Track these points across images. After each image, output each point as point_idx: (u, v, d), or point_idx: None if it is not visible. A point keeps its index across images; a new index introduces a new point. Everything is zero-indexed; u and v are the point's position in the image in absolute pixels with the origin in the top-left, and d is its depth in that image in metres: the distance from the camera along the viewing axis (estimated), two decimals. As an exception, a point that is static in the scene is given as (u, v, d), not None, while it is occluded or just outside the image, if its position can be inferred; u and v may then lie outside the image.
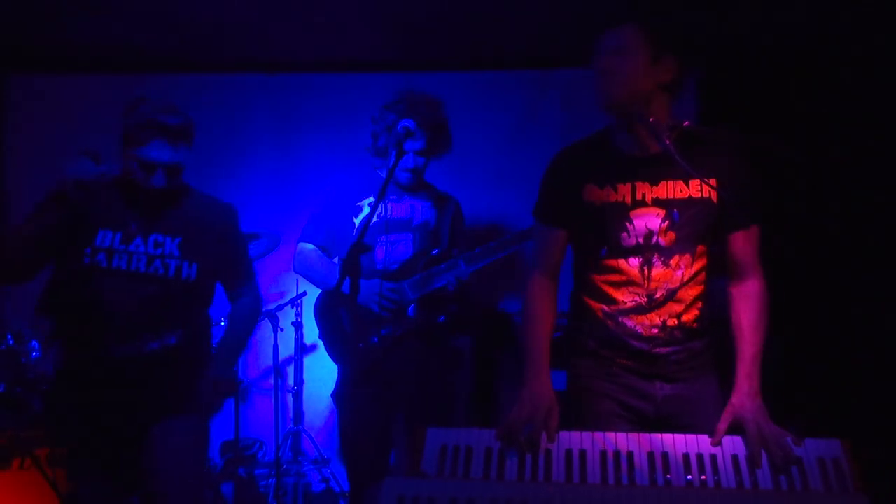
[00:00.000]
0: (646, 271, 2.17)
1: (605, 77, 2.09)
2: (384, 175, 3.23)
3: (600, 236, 2.19)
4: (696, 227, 2.15)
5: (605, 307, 2.23)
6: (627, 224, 2.15)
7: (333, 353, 3.15)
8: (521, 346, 2.19)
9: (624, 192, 2.16)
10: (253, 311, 2.82)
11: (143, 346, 2.44)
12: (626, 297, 2.19)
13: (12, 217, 4.33)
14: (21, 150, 4.51)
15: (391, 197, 3.16)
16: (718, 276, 2.26)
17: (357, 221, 3.16)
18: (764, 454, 1.92)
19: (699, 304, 2.21)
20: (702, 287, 2.22)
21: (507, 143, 4.53)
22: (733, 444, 1.97)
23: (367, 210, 3.17)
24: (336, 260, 3.19)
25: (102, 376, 2.44)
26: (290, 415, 4.24)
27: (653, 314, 2.18)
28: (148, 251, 2.46)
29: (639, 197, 2.15)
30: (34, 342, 3.44)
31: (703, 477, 1.90)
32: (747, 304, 2.16)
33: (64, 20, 3.94)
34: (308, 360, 4.32)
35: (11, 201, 4.45)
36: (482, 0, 3.81)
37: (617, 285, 2.20)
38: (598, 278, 2.23)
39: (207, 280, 2.62)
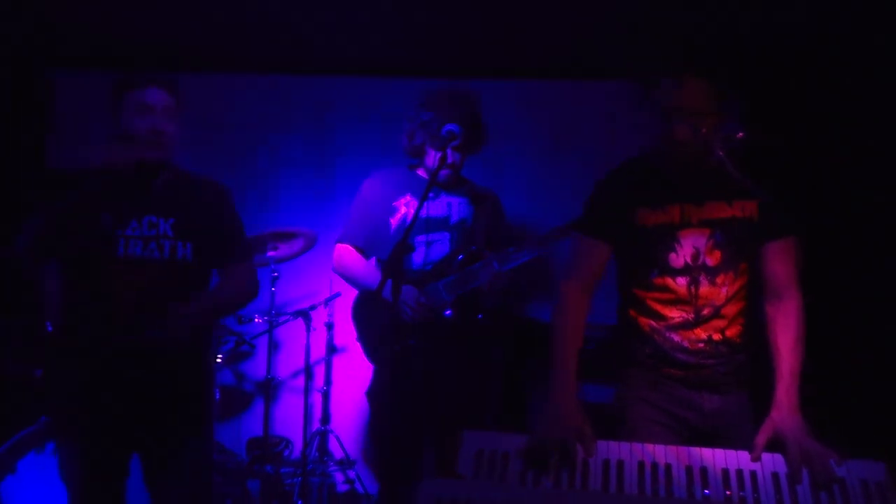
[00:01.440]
0: (693, 290, 2.20)
1: (682, 136, 2.07)
2: (420, 174, 3.23)
3: (650, 257, 2.22)
4: (739, 246, 2.19)
5: (652, 322, 2.26)
6: (675, 244, 2.19)
7: (370, 354, 3.14)
8: (551, 357, 2.16)
9: (672, 213, 2.19)
10: (240, 291, 2.68)
11: (142, 333, 2.39)
12: (673, 314, 2.23)
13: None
14: (64, 146, 4.54)
15: (429, 195, 3.14)
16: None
17: (393, 221, 3.16)
18: (805, 472, 1.90)
19: (741, 320, 2.25)
20: (744, 303, 2.25)
21: (545, 152, 4.51)
22: (773, 462, 1.95)
23: (402, 210, 3.17)
24: (375, 261, 3.18)
25: (101, 366, 2.40)
26: (319, 415, 4.23)
27: (699, 329, 2.21)
28: (143, 233, 2.44)
29: (686, 217, 2.19)
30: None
31: (741, 493, 1.88)
32: (786, 323, 2.15)
33: (105, 17, 3.98)
34: (337, 361, 4.31)
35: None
36: (521, 10, 3.79)
37: (665, 303, 2.23)
38: (647, 295, 2.26)
39: (204, 263, 2.58)
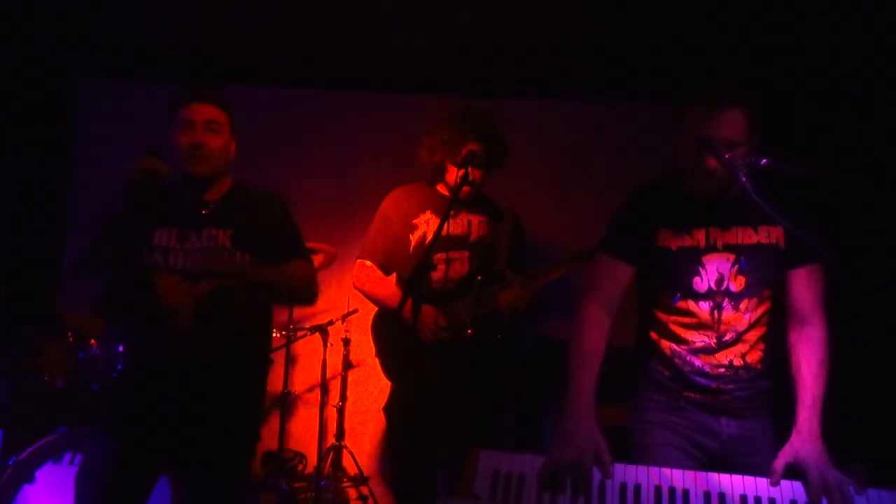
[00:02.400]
0: (716, 315, 2.18)
1: (712, 166, 2.04)
2: (440, 190, 3.22)
3: (673, 279, 2.20)
4: (764, 272, 2.17)
5: (674, 346, 2.24)
6: (700, 269, 2.17)
7: (388, 370, 3.12)
8: (569, 377, 2.11)
9: (698, 237, 2.17)
10: (304, 275, 2.62)
11: (199, 348, 2.39)
12: (695, 338, 2.21)
13: (80, 220, 4.40)
14: (91, 154, 4.58)
15: (449, 212, 3.12)
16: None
17: (413, 239, 3.15)
18: (824, 501, 1.87)
19: (762, 345, 2.22)
20: (765, 329, 2.23)
21: (565, 171, 4.52)
22: (793, 490, 1.92)
23: (422, 227, 3.16)
24: (394, 279, 3.17)
25: (157, 379, 2.40)
26: (334, 430, 4.22)
27: (720, 354, 2.20)
28: (203, 245, 2.44)
29: (711, 242, 2.17)
30: (92, 341, 3.47)
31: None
32: (809, 349, 2.12)
33: (133, 28, 4.03)
34: (353, 377, 4.30)
35: (79, 206, 4.53)
36: (542, 31, 3.81)
37: (687, 327, 2.21)
38: (668, 318, 2.24)
39: None
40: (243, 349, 2.51)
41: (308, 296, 2.67)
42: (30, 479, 3.04)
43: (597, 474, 1.91)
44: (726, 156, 1.97)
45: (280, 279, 2.50)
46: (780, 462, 1.97)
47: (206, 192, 2.52)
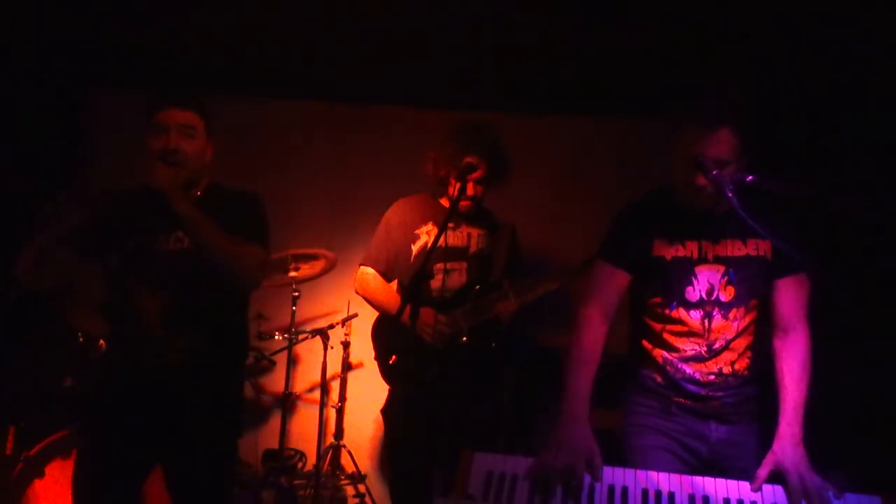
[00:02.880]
0: (706, 324, 2.22)
1: (702, 180, 2.07)
2: (443, 203, 3.24)
3: (668, 288, 2.23)
4: (752, 283, 2.20)
5: (665, 353, 2.28)
6: (693, 279, 2.20)
7: (386, 374, 3.16)
8: (564, 382, 2.13)
9: (691, 249, 2.21)
10: (255, 257, 2.45)
11: (171, 348, 2.39)
12: (686, 346, 2.24)
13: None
14: (109, 167, 4.52)
15: (450, 224, 3.13)
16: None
17: (414, 248, 3.17)
18: None
19: (750, 353, 2.26)
20: (752, 337, 2.26)
21: (557, 184, 4.55)
22: (774, 494, 1.96)
23: (424, 238, 3.17)
24: (395, 286, 3.20)
25: (134, 380, 2.40)
26: (333, 429, 4.25)
27: (710, 362, 2.23)
28: (169, 248, 2.41)
29: (703, 254, 2.20)
30: (101, 341, 3.51)
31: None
32: (791, 357, 2.16)
33: (143, 42, 4.04)
34: (352, 379, 4.34)
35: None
36: (535, 49, 3.84)
37: (679, 335, 2.25)
38: (660, 327, 2.28)
39: None
40: (216, 345, 2.47)
41: (249, 277, 2.49)
42: (40, 475, 3.09)
43: (587, 478, 1.94)
44: (713, 172, 2.00)
45: (227, 247, 2.34)
46: (763, 470, 2.00)
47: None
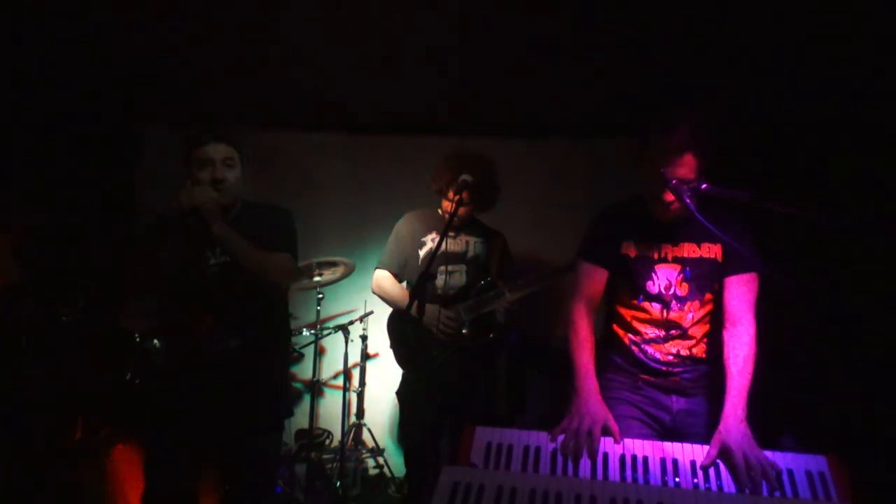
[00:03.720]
0: (665, 313, 2.21)
1: (669, 199, 2.05)
2: (446, 215, 3.24)
3: (633, 282, 2.22)
4: (704, 281, 2.18)
5: (631, 336, 2.27)
6: (653, 275, 2.19)
7: (400, 361, 3.13)
8: (573, 364, 2.13)
9: (654, 250, 2.19)
10: (273, 261, 2.42)
11: (225, 342, 2.37)
12: (648, 331, 2.24)
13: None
14: (155, 201, 4.53)
15: (449, 233, 3.13)
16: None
17: (421, 253, 3.16)
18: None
19: (706, 340, 2.23)
20: (709, 326, 2.23)
21: (541, 197, 4.51)
22: (732, 457, 1.92)
23: (429, 244, 3.16)
24: (405, 284, 3.18)
25: (193, 375, 2.39)
26: (354, 410, 4.22)
27: (668, 345, 2.22)
28: (216, 261, 2.41)
29: (662, 254, 2.19)
30: (155, 340, 3.48)
31: (707, 483, 1.86)
32: (737, 347, 2.09)
33: (190, 80, 4.03)
34: (370, 366, 4.31)
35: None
36: (521, 79, 3.82)
37: (642, 321, 2.24)
38: (627, 313, 2.27)
39: None
40: (263, 339, 2.45)
41: (280, 282, 2.50)
42: (108, 456, 3.04)
43: (605, 440, 1.94)
44: (673, 182, 1.98)
45: (258, 258, 2.36)
46: (713, 449, 1.92)
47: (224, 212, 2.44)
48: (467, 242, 3.19)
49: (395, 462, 4.25)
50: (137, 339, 3.44)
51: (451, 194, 3.06)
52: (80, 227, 4.35)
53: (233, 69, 3.83)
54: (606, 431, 1.96)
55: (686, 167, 2.00)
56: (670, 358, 2.21)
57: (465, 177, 2.87)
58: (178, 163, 2.46)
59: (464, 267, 3.15)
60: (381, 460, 4.21)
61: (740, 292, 2.14)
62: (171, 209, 2.35)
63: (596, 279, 2.25)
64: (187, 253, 2.41)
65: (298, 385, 4.47)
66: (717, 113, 2.18)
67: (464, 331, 3.03)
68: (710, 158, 2.03)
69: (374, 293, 3.26)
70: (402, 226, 3.25)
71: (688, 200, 1.93)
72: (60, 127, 4.35)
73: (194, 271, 2.40)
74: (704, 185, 1.94)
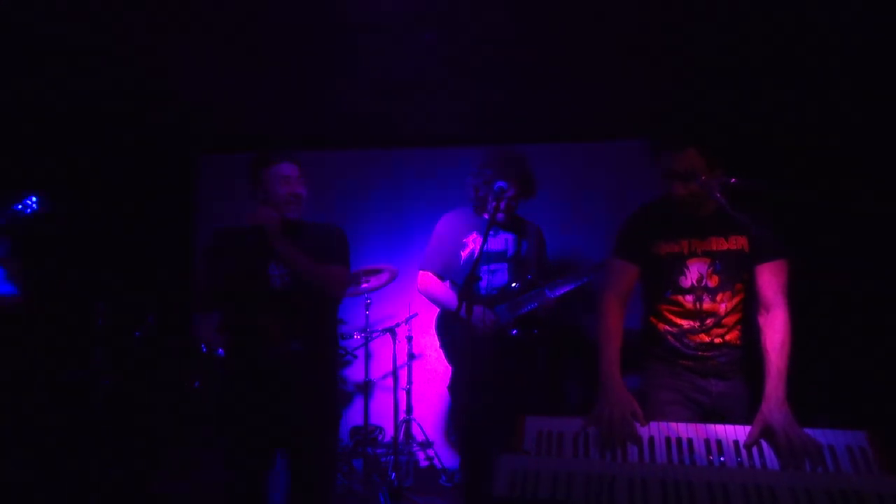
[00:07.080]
0: (698, 305, 2.21)
1: (679, 192, 2.10)
2: (485, 217, 3.19)
3: (666, 278, 2.23)
4: (734, 271, 2.19)
5: (668, 328, 2.27)
6: (685, 269, 2.20)
7: (449, 358, 3.13)
8: (600, 354, 2.13)
9: (683, 245, 2.20)
10: (326, 270, 2.47)
11: (285, 348, 2.41)
12: (684, 322, 2.24)
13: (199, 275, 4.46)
14: (209, 223, 4.55)
15: (490, 233, 3.09)
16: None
17: (463, 254, 3.13)
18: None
19: (739, 327, 2.24)
20: (740, 314, 2.24)
21: (569, 199, 4.50)
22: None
23: (469, 245, 3.13)
24: (450, 284, 3.18)
25: (256, 380, 2.42)
26: (404, 407, 4.25)
27: (703, 335, 2.22)
28: (277, 273, 2.45)
29: (693, 249, 2.20)
30: (220, 350, 3.55)
31: (751, 461, 1.84)
32: (773, 330, 2.09)
33: (241, 110, 4.12)
34: (416, 365, 4.34)
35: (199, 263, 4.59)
36: (545, 91, 3.83)
37: (677, 314, 2.25)
38: (664, 307, 2.27)
39: None
40: (320, 344, 2.49)
41: (336, 291, 2.56)
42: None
43: (636, 424, 1.94)
44: (702, 178, 1.98)
45: (315, 270, 2.43)
46: (755, 428, 1.92)
47: (293, 230, 2.50)
48: (506, 240, 3.15)
49: (445, 453, 4.27)
50: (204, 350, 3.52)
51: (490, 200, 3.03)
52: (145, 249, 4.46)
53: (282, 96, 3.89)
54: (633, 417, 1.96)
55: (688, 161, 2.06)
56: (706, 345, 2.21)
57: (500, 184, 2.86)
58: (244, 182, 2.53)
59: (505, 265, 3.12)
60: (431, 452, 4.22)
61: (772, 279, 2.13)
62: (237, 227, 2.41)
63: (626, 276, 2.25)
64: (252, 267, 2.46)
65: (350, 386, 4.52)
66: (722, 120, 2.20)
67: (513, 332, 3.03)
68: (716, 153, 2.06)
69: (419, 292, 3.24)
70: (443, 227, 3.21)
71: (718, 195, 1.92)
72: (127, 162, 4.47)
73: (258, 284, 2.44)
74: (733, 180, 1.95)
